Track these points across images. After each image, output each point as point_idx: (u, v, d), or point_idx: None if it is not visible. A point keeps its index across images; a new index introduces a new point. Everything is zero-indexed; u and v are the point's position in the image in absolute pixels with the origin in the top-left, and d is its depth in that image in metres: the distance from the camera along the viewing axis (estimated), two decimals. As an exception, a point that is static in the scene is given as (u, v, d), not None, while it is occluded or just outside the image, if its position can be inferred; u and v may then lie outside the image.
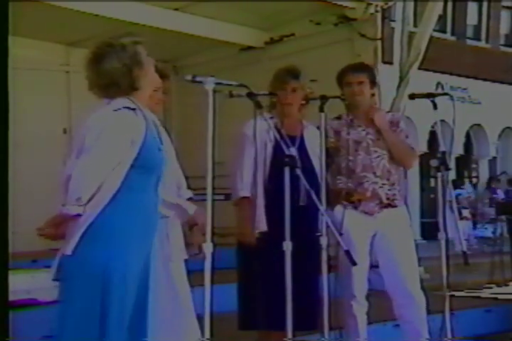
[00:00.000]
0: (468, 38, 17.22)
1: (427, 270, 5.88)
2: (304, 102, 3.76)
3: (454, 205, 3.82)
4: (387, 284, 3.82)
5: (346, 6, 6.41)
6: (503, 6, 17.99)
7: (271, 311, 3.42)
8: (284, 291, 3.07)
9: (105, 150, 2.49)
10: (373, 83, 3.93)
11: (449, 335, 3.57)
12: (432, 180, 14.91)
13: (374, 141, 3.85)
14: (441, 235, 3.61)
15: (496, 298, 6.03)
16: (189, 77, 2.95)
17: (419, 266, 4.01)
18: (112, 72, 2.59)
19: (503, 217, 9.49)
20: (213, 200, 2.86)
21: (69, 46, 7.35)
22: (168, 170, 2.85)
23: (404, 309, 3.79)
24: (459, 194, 14.16)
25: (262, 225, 3.53)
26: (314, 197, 3.08)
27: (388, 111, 4.39)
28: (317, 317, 3.46)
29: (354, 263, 2.98)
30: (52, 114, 7.37)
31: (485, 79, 16.33)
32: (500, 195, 14.29)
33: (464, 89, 16.07)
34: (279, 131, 3.45)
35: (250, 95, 3.15)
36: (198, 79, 2.94)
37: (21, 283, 3.99)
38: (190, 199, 3.31)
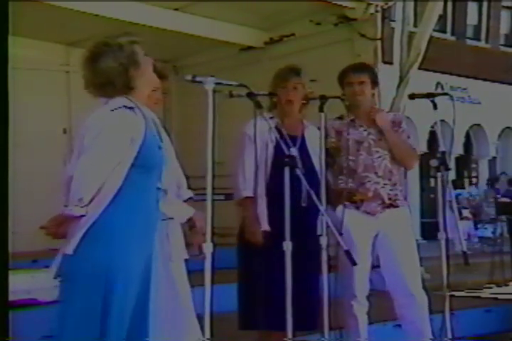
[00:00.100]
0: (468, 38, 17.22)
1: (427, 270, 5.87)
2: (304, 102, 3.76)
3: (454, 205, 3.82)
4: (389, 284, 3.82)
5: (346, 6, 6.40)
6: (503, 6, 17.99)
7: (271, 311, 3.42)
8: (284, 291, 3.07)
9: (105, 150, 2.49)
10: (374, 83, 3.93)
11: (449, 335, 3.57)
12: (432, 180, 14.90)
13: (376, 141, 3.84)
14: (441, 235, 3.61)
15: (496, 298, 6.04)
16: (189, 77, 2.96)
17: (420, 266, 4.01)
18: (107, 71, 2.58)
19: (503, 217, 9.50)
20: (213, 200, 2.87)
21: (69, 46, 7.35)
22: (168, 169, 2.85)
23: (405, 309, 3.79)
24: (459, 194, 14.17)
25: (264, 225, 3.54)
26: (314, 197, 3.08)
27: (389, 111, 4.39)
28: (317, 317, 3.46)
29: (354, 263, 2.98)
30: (52, 114, 7.37)
31: (485, 79, 16.33)
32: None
33: (464, 89, 16.07)
34: (279, 131, 3.45)
35: (250, 95, 3.15)
36: (198, 79, 2.94)
37: (21, 283, 3.99)
38: (190, 199, 3.31)
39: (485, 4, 17.54)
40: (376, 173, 3.81)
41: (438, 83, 15.30)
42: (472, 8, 17.33)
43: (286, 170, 3.09)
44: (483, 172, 17.64)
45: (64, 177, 2.53)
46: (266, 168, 3.57)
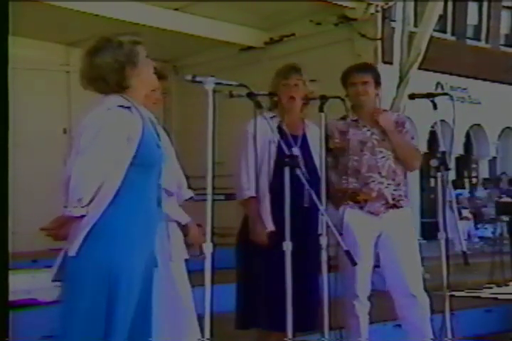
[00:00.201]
0: (468, 38, 17.22)
1: (427, 270, 5.87)
2: (304, 102, 3.76)
3: (454, 205, 3.82)
4: (389, 284, 3.82)
5: (346, 6, 6.41)
6: (503, 6, 18.00)
7: (271, 311, 3.42)
8: (284, 291, 3.07)
9: (102, 150, 2.48)
10: (378, 83, 3.92)
11: (449, 335, 3.57)
12: (432, 180, 14.90)
13: (379, 142, 3.84)
14: (441, 235, 3.61)
15: (496, 298, 6.04)
16: (189, 77, 2.95)
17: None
18: (102, 66, 2.58)
19: (503, 217, 9.50)
20: (213, 200, 2.86)
21: (69, 46, 7.36)
22: (168, 168, 2.84)
23: (406, 310, 3.78)
24: (460, 194, 14.18)
25: (269, 225, 3.54)
26: (314, 196, 3.08)
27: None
28: (317, 317, 3.46)
29: (354, 264, 2.98)
30: (52, 114, 7.38)
31: (485, 79, 16.33)
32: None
33: (464, 89, 16.08)
34: (281, 130, 3.45)
35: (250, 95, 3.15)
36: (198, 79, 2.94)
37: (21, 283, 3.99)
38: (191, 198, 3.32)
39: (485, 4, 17.54)
40: (380, 173, 3.81)
41: (438, 83, 15.31)
42: (472, 8, 17.33)
43: (287, 170, 3.09)
44: (483, 172, 17.65)
45: (63, 178, 2.52)
46: (269, 167, 3.57)
